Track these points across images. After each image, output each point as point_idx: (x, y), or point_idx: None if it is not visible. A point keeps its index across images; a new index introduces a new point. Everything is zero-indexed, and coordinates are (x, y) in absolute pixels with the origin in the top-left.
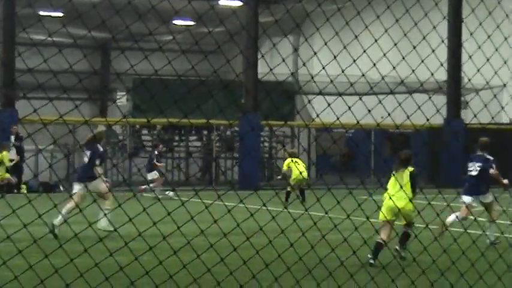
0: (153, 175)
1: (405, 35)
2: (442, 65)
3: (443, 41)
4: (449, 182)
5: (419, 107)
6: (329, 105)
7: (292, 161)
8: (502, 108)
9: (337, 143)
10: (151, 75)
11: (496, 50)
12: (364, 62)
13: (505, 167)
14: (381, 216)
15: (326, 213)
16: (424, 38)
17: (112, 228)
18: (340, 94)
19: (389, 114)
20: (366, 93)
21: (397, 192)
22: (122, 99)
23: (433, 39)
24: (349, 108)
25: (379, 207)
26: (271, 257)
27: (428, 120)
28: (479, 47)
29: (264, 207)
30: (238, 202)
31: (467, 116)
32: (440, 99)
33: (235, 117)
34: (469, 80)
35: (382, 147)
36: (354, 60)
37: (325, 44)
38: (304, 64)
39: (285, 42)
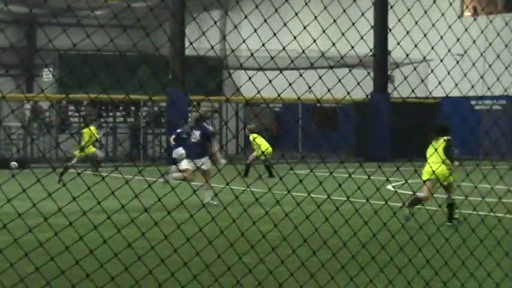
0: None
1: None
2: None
3: (372, 27)
4: (377, 155)
5: (358, 83)
6: (270, 81)
7: (254, 137)
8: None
9: (265, 117)
10: (76, 50)
11: (416, 22)
12: (301, 38)
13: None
14: (423, 177)
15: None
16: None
17: (216, 202)
18: (280, 70)
19: (329, 90)
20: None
21: (433, 158)
22: (49, 75)
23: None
24: (290, 84)
25: (321, 182)
26: (193, 232)
27: (347, 93)
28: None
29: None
30: (159, 177)
31: (397, 90)
32: (366, 74)
33: (162, 93)
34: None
35: (310, 122)
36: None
37: (245, 16)
38: (224, 37)
39: (214, 16)
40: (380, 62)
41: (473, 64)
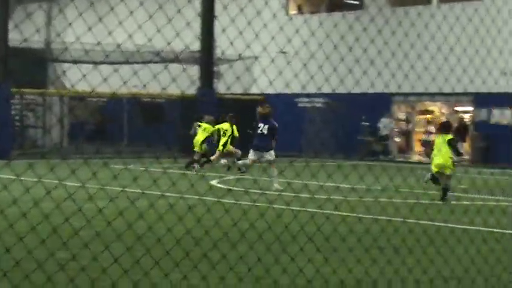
0: None
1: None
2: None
3: (199, 15)
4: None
5: (197, 78)
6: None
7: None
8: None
9: (91, 111)
10: None
11: (249, 23)
12: (119, 32)
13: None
14: (433, 170)
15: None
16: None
17: (282, 188)
18: (96, 63)
19: (144, 85)
20: (122, 63)
21: (438, 152)
22: None
23: (188, 11)
24: (105, 79)
25: (135, 178)
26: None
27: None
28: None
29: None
30: None
31: (221, 86)
32: (195, 70)
33: None
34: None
35: (137, 117)
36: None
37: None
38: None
39: (41, 7)
40: (206, 58)
41: (313, 62)
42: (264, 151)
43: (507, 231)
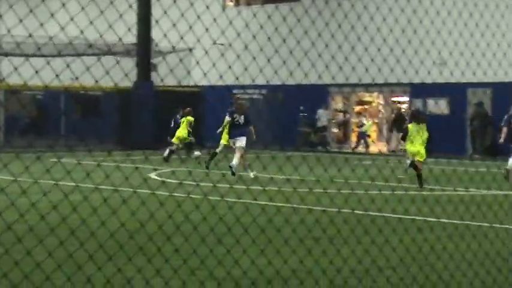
0: None
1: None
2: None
3: (131, 6)
4: (141, 143)
5: (131, 72)
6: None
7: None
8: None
9: (26, 104)
10: None
11: (182, 15)
12: (52, 24)
13: (195, 126)
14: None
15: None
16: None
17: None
18: (27, 56)
19: (77, 78)
20: (55, 55)
21: (414, 140)
22: None
23: (123, 3)
24: (36, 72)
25: (68, 171)
26: None
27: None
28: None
29: None
30: None
31: (157, 78)
32: (130, 62)
33: None
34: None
35: (73, 110)
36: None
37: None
38: None
39: None
40: (143, 50)
41: (248, 54)
42: (236, 138)
43: (441, 220)
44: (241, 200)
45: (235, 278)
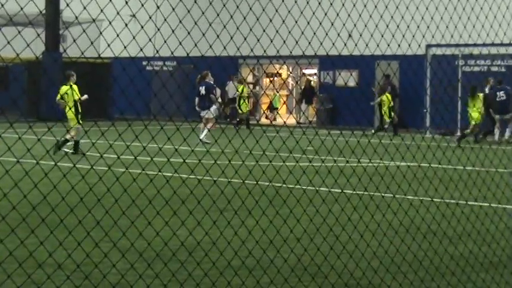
0: None
1: None
2: None
3: None
4: (48, 115)
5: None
6: None
7: None
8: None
9: None
10: None
11: None
12: None
13: (98, 97)
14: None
15: None
16: None
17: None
18: None
19: None
20: None
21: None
22: None
23: None
24: None
25: None
26: None
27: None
28: None
29: None
30: None
31: (69, 50)
32: (35, 34)
33: None
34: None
35: None
36: None
37: None
38: None
39: None
40: (51, 21)
41: (164, 26)
42: (202, 110)
43: (346, 191)
44: (146, 172)
45: (139, 250)
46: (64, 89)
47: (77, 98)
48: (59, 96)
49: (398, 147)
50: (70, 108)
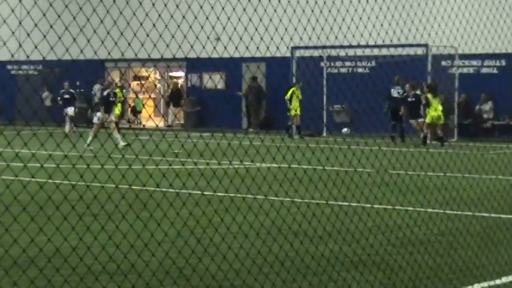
0: None
1: None
2: None
3: None
4: None
5: None
6: None
7: None
8: None
9: None
10: None
11: None
12: None
13: None
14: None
15: None
16: None
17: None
18: None
19: None
20: None
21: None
22: None
23: None
24: None
25: None
26: None
27: None
28: None
29: None
30: None
31: None
32: None
33: None
34: None
35: None
36: None
37: None
38: None
39: None
40: None
41: (23, 30)
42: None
43: (218, 194)
44: (18, 178)
45: (13, 257)
46: None
47: None
48: None
49: (269, 148)
50: None
